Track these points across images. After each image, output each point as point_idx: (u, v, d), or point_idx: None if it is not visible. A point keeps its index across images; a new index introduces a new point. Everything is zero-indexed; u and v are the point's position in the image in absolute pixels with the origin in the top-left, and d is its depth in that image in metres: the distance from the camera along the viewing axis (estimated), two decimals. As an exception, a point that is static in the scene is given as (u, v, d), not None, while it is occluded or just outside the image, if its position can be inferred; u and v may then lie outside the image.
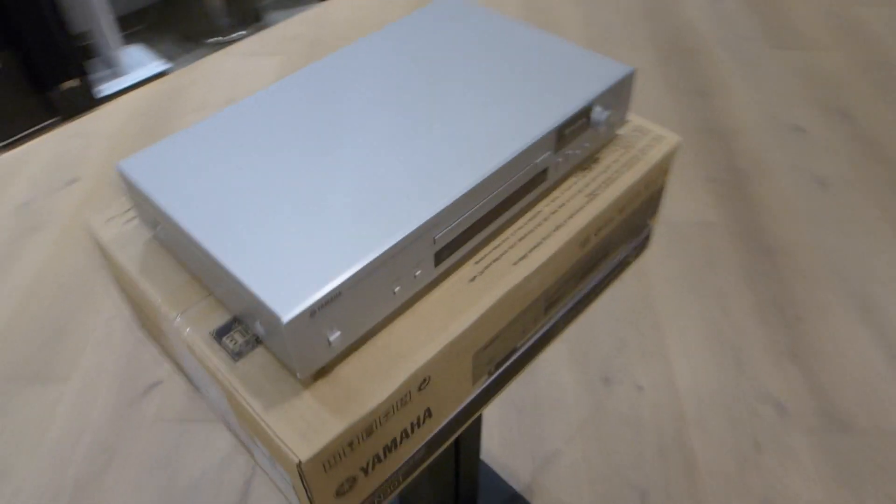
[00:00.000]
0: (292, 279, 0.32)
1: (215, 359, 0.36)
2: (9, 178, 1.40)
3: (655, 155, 0.48)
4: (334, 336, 0.33)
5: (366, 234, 0.34)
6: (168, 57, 1.71)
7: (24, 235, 1.28)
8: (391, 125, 0.40)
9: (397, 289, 0.36)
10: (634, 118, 0.51)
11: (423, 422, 0.39)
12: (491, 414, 0.99)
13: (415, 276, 0.36)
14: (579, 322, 1.11)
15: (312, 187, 0.37)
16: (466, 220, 0.37)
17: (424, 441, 0.41)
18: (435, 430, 0.41)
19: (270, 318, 0.32)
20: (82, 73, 1.50)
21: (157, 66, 1.65)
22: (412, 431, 0.39)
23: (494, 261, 0.41)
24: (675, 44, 1.75)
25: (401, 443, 0.38)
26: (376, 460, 0.37)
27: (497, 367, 0.44)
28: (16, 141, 1.48)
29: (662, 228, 1.26)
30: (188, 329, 0.37)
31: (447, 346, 0.37)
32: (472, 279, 0.40)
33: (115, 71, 1.63)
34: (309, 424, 0.33)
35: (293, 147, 0.39)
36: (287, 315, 0.31)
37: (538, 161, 0.41)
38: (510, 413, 0.99)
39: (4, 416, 0.99)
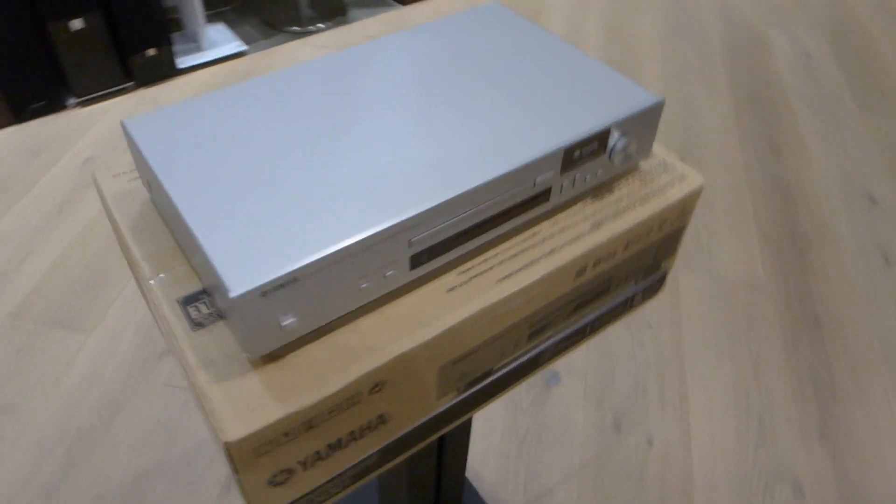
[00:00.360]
0: (253, 257, 0.32)
1: (176, 324, 0.36)
2: (80, 133, 1.47)
3: (674, 194, 0.45)
4: (288, 321, 0.33)
5: (336, 225, 0.33)
6: (247, 40, 1.77)
7: (81, 189, 1.33)
8: (397, 122, 0.39)
9: (364, 285, 0.35)
10: (661, 152, 0.48)
11: (376, 427, 0.38)
12: (490, 438, 0.96)
13: (385, 276, 0.35)
14: (600, 360, 1.07)
15: (302, 172, 0.36)
16: (448, 229, 0.36)
17: (377, 447, 0.39)
18: (390, 439, 0.40)
19: (223, 291, 0.31)
20: (165, 44, 1.56)
21: (235, 46, 1.70)
22: (362, 435, 0.37)
23: (479, 274, 0.39)
24: (755, 93, 1.69)
25: (347, 444, 0.37)
26: (317, 456, 0.36)
27: (469, 387, 0.42)
28: (91, 99, 1.55)
29: (706, 280, 1.21)
30: (160, 291, 0.37)
31: (407, 352, 0.35)
32: (451, 289, 0.38)
33: (196, 46, 1.70)
34: (248, 406, 0.32)
35: (296, 130, 0.39)
36: (236, 290, 0.30)
37: (539, 180, 0.39)
38: (510, 440, 0.96)
39: (27, 355, 1.03)
